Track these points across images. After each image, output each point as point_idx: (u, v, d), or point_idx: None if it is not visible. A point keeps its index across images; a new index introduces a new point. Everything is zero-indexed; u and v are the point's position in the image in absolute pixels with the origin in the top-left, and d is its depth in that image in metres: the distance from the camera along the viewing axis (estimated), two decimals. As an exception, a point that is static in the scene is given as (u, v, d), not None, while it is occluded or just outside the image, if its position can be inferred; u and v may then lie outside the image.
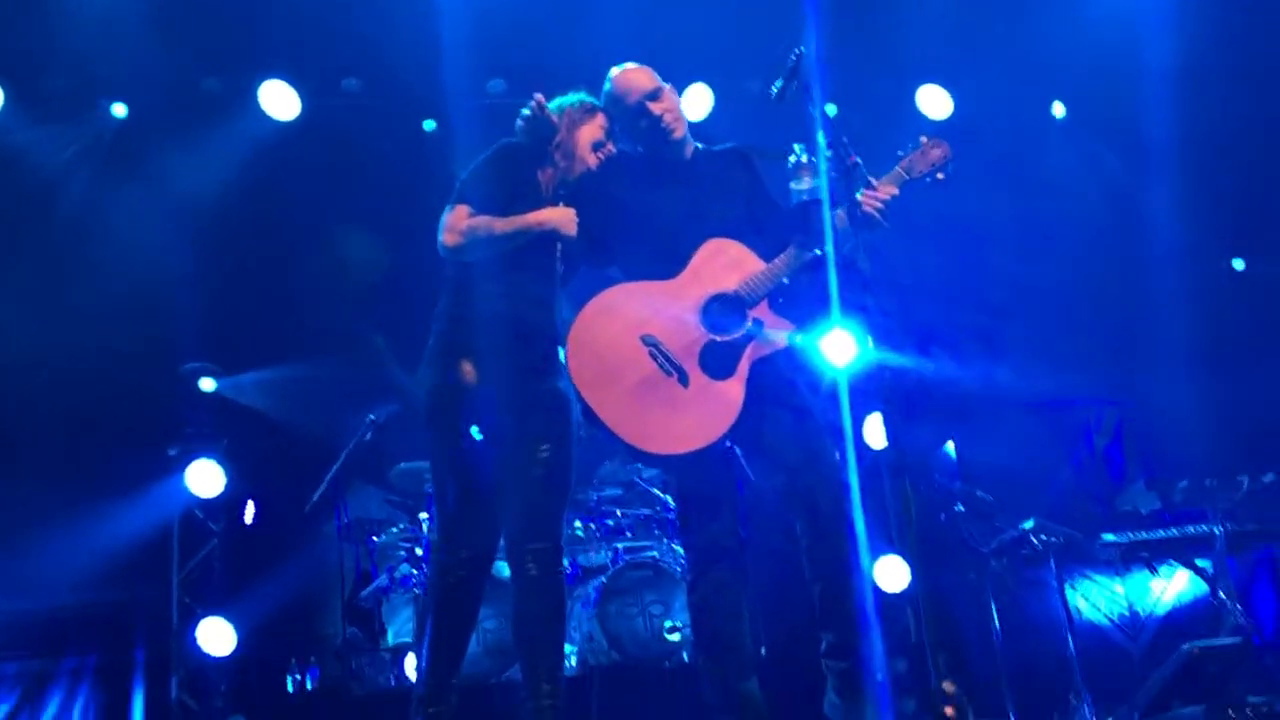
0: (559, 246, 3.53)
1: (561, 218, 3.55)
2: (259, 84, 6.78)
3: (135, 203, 6.52)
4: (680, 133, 3.62)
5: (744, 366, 3.31)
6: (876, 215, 3.13)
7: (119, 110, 6.76)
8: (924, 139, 3.26)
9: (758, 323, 3.31)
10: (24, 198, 6.56)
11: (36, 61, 6.31)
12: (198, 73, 6.83)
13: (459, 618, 3.54)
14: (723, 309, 3.38)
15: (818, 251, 3.14)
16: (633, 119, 3.65)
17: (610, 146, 3.72)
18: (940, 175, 3.21)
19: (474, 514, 3.53)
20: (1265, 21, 6.40)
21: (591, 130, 3.71)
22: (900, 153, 3.25)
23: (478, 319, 3.51)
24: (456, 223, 3.53)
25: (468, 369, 3.50)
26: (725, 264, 3.39)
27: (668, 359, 3.36)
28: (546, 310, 3.54)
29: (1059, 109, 7.78)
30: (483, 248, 3.54)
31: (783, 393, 3.40)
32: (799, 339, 3.30)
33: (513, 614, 3.46)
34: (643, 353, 3.37)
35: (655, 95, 3.63)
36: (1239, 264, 7.13)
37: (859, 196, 3.12)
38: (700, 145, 3.73)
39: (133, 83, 6.64)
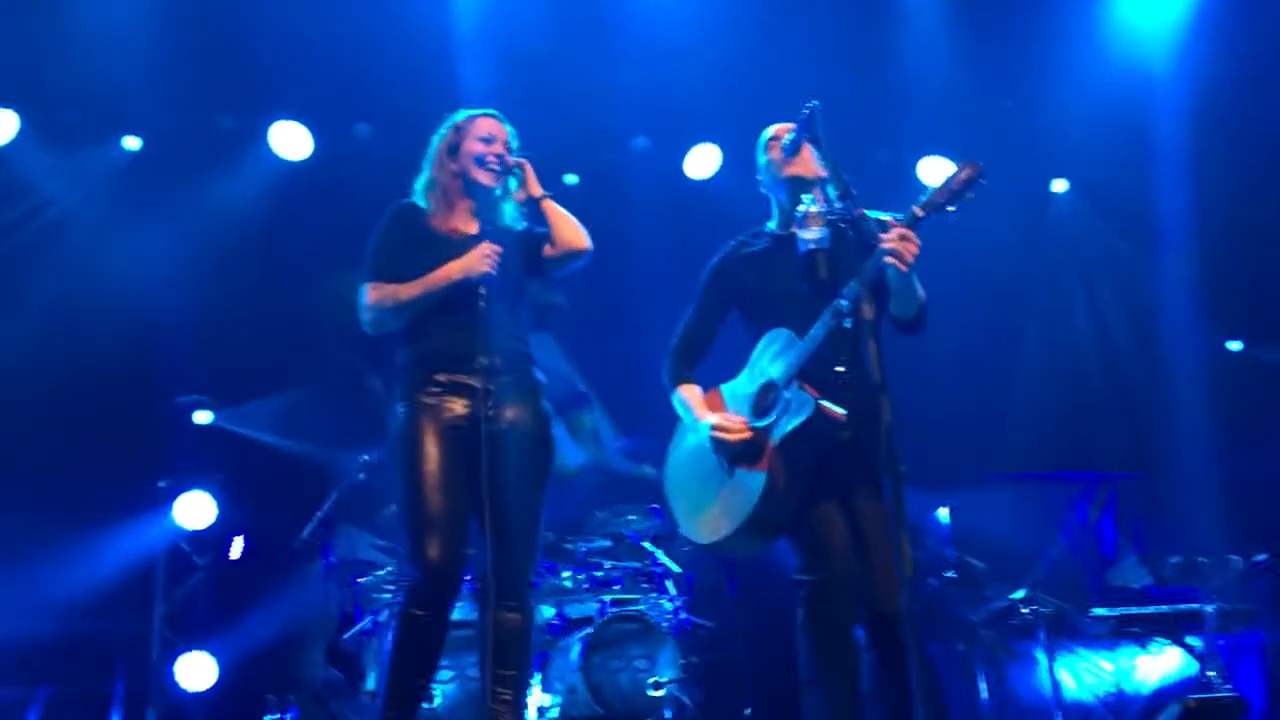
0: (481, 289, 3.48)
1: (466, 264, 3.51)
2: (271, 123, 6.87)
3: (142, 235, 6.56)
4: None
5: (769, 447, 3.34)
6: (894, 255, 3.06)
7: (131, 143, 6.83)
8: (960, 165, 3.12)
9: (786, 402, 3.33)
10: (33, 225, 6.60)
11: (52, 92, 6.38)
12: (211, 109, 6.90)
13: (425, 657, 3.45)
14: (766, 394, 3.44)
15: (843, 305, 3.12)
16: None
17: (495, 149, 3.66)
18: (969, 196, 3.10)
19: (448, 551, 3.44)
20: (1270, 105, 6.50)
21: (470, 144, 3.69)
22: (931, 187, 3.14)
23: (431, 357, 3.53)
24: (366, 299, 3.58)
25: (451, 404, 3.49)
26: (775, 350, 3.45)
27: (722, 454, 3.47)
28: (476, 339, 3.48)
29: (1060, 185, 7.90)
30: (397, 315, 3.56)
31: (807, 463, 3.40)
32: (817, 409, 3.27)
33: (499, 645, 3.41)
34: (708, 449, 3.51)
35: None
36: (1235, 345, 7.17)
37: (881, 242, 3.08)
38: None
39: (146, 117, 6.71)
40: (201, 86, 6.52)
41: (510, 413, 3.53)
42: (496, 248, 3.53)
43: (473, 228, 3.68)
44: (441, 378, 3.49)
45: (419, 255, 3.55)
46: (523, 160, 3.71)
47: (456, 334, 3.50)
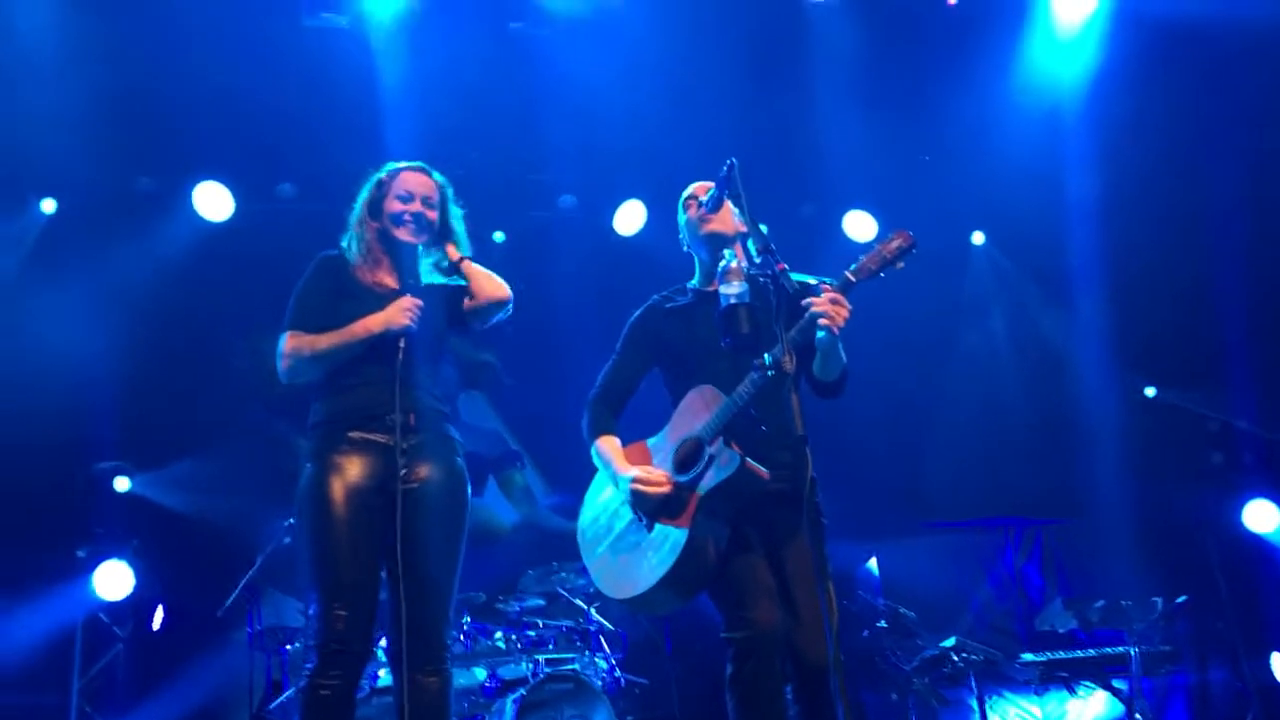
0: (400, 342, 3.43)
1: (386, 318, 3.45)
2: (193, 185, 6.80)
3: (60, 298, 6.43)
4: None
5: (693, 502, 3.33)
6: (830, 322, 3.11)
7: (48, 206, 6.71)
8: (891, 233, 3.22)
9: (709, 458, 3.33)
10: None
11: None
12: (131, 172, 6.82)
13: None
14: (689, 450, 3.43)
15: (765, 359, 3.14)
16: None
17: (413, 208, 3.63)
18: (900, 265, 3.19)
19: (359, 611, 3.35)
20: (1179, 158, 6.71)
21: (390, 203, 3.67)
22: (860, 254, 3.22)
23: (344, 414, 3.47)
24: (284, 348, 3.53)
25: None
26: (699, 406, 3.44)
27: (641, 508, 3.45)
28: (391, 396, 3.42)
29: (979, 237, 8.09)
30: (313, 366, 3.51)
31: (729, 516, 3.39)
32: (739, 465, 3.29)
33: (416, 709, 3.32)
34: (625, 503, 3.50)
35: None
36: (1151, 391, 7.35)
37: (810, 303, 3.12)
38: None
39: (64, 179, 6.61)
40: (121, 148, 6.44)
41: (424, 471, 3.46)
42: (416, 301, 3.49)
43: (396, 283, 3.65)
44: (354, 435, 3.42)
45: (341, 306, 3.51)
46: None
47: (371, 390, 3.44)
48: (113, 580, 5.95)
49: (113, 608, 6.06)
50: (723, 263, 3.14)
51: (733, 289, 3.08)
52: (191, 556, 6.43)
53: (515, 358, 7.81)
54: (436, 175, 3.77)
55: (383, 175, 3.73)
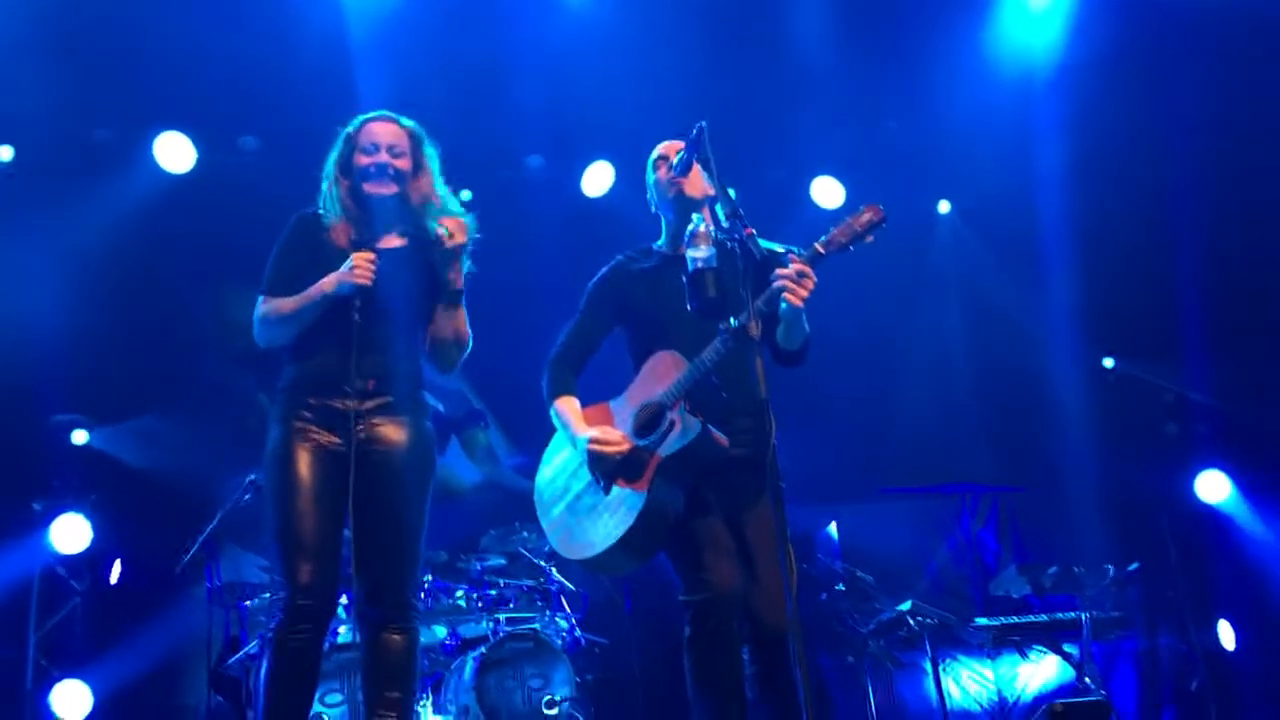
0: (356, 301, 3.36)
1: (338, 276, 3.38)
2: (154, 135, 6.70)
3: (16, 248, 6.31)
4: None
5: (651, 466, 3.34)
6: (794, 296, 3.11)
7: (4, 154, 6.58)
8: (861, 206, 3.20)
9: (670, 422, 3.34)
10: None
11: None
12: (90, 122, 6.70)
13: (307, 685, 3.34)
14: (649, 413, 3.42)
15: (731, 324, 3.15)
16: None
17: (379, 159, 3.53)
18: (870, 239, 3.19)
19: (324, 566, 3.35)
20: (1147, 131, 6.76)
21: (357, 157, 3.58)
22: (830, 226, 3.20)
23: (305, 380, 3.44)
24: (258, 314, 3.50)
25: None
26: (662, 371, 3.43)
27: (598, 469, 3.44)
28: (349, 361, 3.38)
29: (944, 206, 8.12)
30: (280, 329, 3.47)
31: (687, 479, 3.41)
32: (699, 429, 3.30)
33: (381, 668, 3.35)
34: (582, 463, 3.49)
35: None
36: (1109, 362, 7.45)
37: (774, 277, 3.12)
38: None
39: (21, 128, 6.48)
40: (80, 96, 6.31)
41: (387, 434, 3.43)
42: (369, 256, 3.40)
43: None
44: (314, 401, 3.39)
45: (313, 269, 3.45)
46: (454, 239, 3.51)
47: (328, 356, 3.41)
48: (70, 533, 5.91)
49: (70, 561, 6.03)
50: (690, 226, 3.12)
51: (700, 253, 3.07)
52: (150, 511, 6.38)
53: (481, 317, 7.74)
54: (405, 121, 3.67)
55: (351, 130, 3.64)
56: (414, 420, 3.50)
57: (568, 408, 3.60)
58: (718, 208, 3.14)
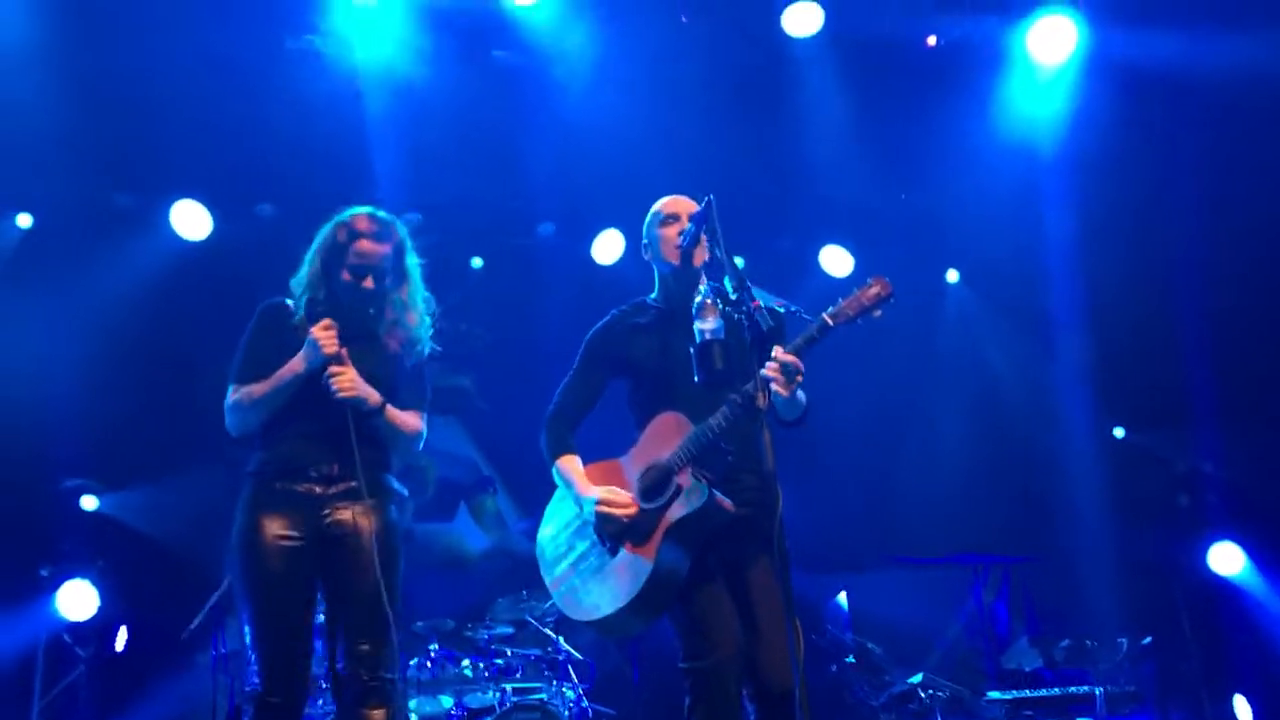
0: (326, 381, 3.40)
1: (305, 353, 3.43)
2: (172, 203, 6.79)
3: (32, 313, 6.38)
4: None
5: (659, 531, 3.34)
6: (780, 386, 3.08)
7: (23, 221, 6.68)
8: (870, 279, 3.19)
9: (677, 487, 3.34)
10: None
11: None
12: (110, 188, 6.80)
13: None
14: (657, 477, 3.42)
15: (736, 398, 3.17)
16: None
17: (363, 285, 3.56)
18: (878, 313, 3.20)
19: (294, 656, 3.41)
20: (1151, 199, 6.80)
21: (343, 273, 3.58)
22: (839, 298, 3.20)
23: (270, 466, 3.49)
24: (228, 402, 3.56)
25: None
26: (666, 433, 3.43)
27: (605, 531, 3.44)
28: (314, 447, 3.46)
29: (953, 275, 8.16)
30: (253, 414, 3.51)
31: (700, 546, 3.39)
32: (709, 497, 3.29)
33: None
34: (588, 526, 3.49)
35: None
36: (1120, 432, 7.41)
37: (765, 370, 3.10)
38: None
39: (42, 194, 6.58)
40: (100, 163, 6.42)
41: (350, 519, 3.45)
42: (326, 323, 3.43)
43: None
44: (279, 486, 3.45)
45: (280, 358, 3.50)
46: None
47: (296, 443, 3.48)
48: (77, 600, 5.89)
49: (76, 628, 6.00)
50: (698, 299, 3.15)
51: (708, 324, 3.10)
52: (157, 578, 6.37)
53: (490, 383, 7.80)
54: (396, 231, 3.66)
55: (339, 233, 3.60)
56: (378, 505, 3.52)
57: (570, 467, 3.60)
58: (725, 280, 3.16)
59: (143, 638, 6.27)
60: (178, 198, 6.81)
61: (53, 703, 5.87)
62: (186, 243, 6.82)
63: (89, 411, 6.30)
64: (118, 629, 6.21)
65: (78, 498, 6.37)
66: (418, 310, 3.67)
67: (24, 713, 5.71)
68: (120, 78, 6.05)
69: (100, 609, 5.95)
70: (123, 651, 6.21)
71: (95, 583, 5.94)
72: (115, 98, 6.11)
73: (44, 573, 5.95)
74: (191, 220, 6.81)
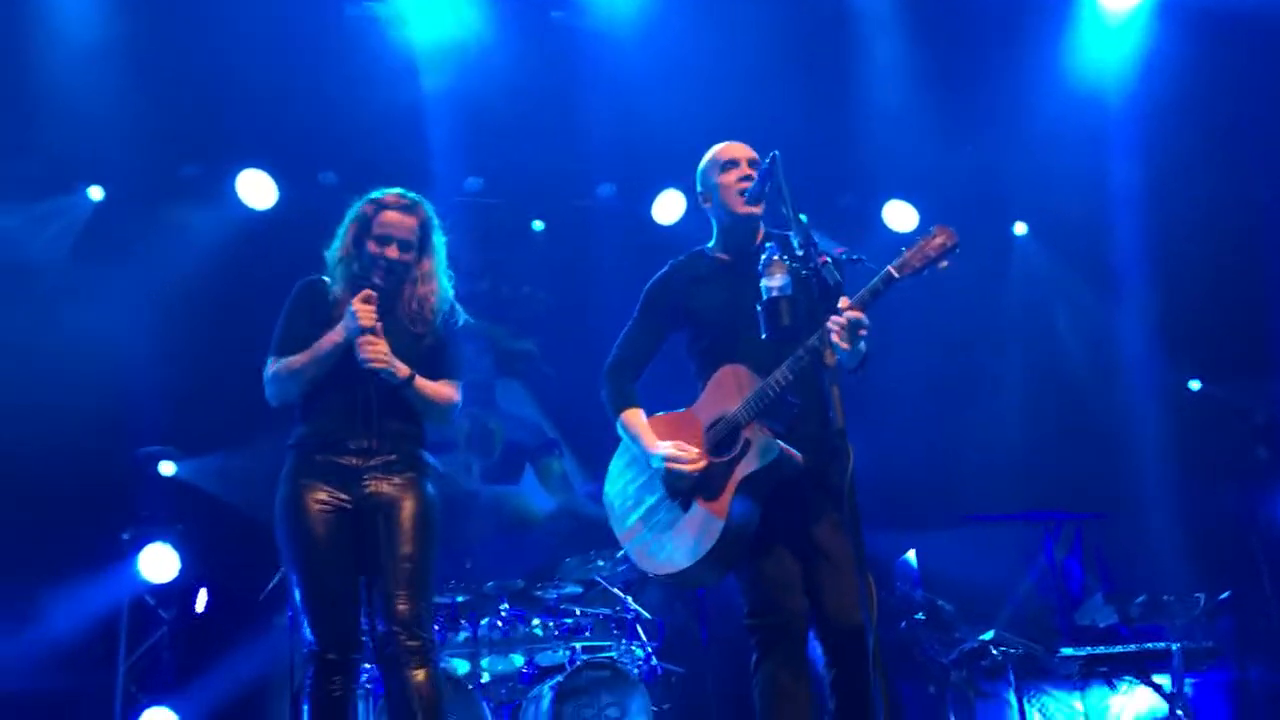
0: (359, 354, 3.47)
1: (344, 325, 3.51)
2: (237, 172, 6.87)
3: (106, 284, 6.51)
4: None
5: (730, 486, 3.33)
6: (841, 340, 3.06)
7: (95, 193, 6.80)
8: (933, 228, 3.16)
9: (746, 442, 3.33)
10: (-3, 276, 6.54)
11: (14, 140, 6.33)
12: (176, 159, 6.90)
13: None
14: (724, 430, 3.41)
15: (802, 353, 3.16)
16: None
17: (390, 253, 3.62)
18: (944, 264, 3.13)
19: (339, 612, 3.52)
20: (1225, 147, 6.62)
21: (370, 244, 3.64)
22: (903, 248, 3.16)
23: (309, 439, 3.58)
24: (267, 375, 3.64)
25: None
26: (731, 386, 3.41)
27: (676, 486, 3.45)
28: (352, 421, 3.53)
29: (1021, 228, 8.01)
30: (291, 384, 3.60)
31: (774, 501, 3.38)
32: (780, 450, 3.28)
33: (406, 703, 3.43)
34: (656, 479, 3.50)
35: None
36: (1195, 384, 7.26)
37: (830, 323, 3.08)
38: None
39: (111, 167, 6.68)
40: (167, 135, 6.50)
41: (388, 490, 3.55)
42: (366, 294, 3.51)
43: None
44: (319, 458, 3.55)
45: (318, 334, 3.58)
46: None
47: (333, 416, 3.57)
48: (158, 563, 6.04)
49: (158, 590, 6.16)
50: (764, 255, 3.13)
51: (775, 281, 3.09)
52: (235, 541, 6.48)
53: (554, 346, 7.83)
54: (423, 208, 3.73)
55: (366, 207, 3.70)
56: (415, 478, 3.61)
57: (635, 421, 3.59)
58: (791, 236, 3.13)
59: (222, 599, 6.42)
60: (242, 167, 6.88)
61: (138, 662, 6.03)
62: (253, 211, 6.91)
63: (164, 380, 6.43)
64: (198, 591, 6.37)
65: (155, 464, 6.51)
66: (439, 284, 3.73)
67: (110, 673, 5.87)
68: (183, 50, 6.13)
69: (181, 571, 6.10)
70: (204, 612, 6.36)
71: (175, 546, 6.08)
72: (179, 70, 6.19)
73: (125, 536, 6.10)
74: (257, 189, 6.89)
